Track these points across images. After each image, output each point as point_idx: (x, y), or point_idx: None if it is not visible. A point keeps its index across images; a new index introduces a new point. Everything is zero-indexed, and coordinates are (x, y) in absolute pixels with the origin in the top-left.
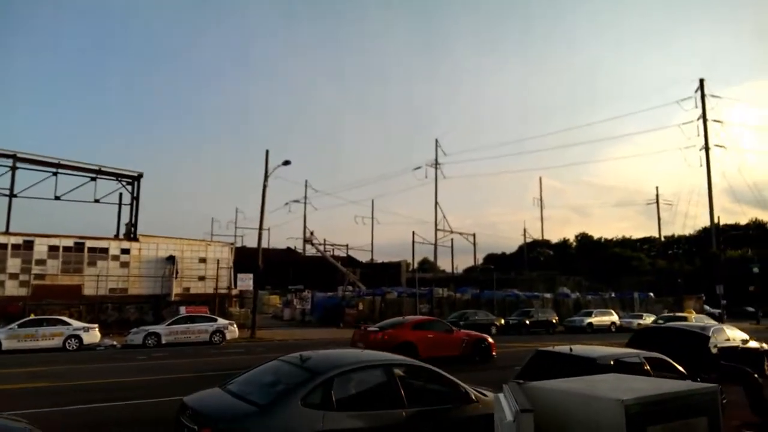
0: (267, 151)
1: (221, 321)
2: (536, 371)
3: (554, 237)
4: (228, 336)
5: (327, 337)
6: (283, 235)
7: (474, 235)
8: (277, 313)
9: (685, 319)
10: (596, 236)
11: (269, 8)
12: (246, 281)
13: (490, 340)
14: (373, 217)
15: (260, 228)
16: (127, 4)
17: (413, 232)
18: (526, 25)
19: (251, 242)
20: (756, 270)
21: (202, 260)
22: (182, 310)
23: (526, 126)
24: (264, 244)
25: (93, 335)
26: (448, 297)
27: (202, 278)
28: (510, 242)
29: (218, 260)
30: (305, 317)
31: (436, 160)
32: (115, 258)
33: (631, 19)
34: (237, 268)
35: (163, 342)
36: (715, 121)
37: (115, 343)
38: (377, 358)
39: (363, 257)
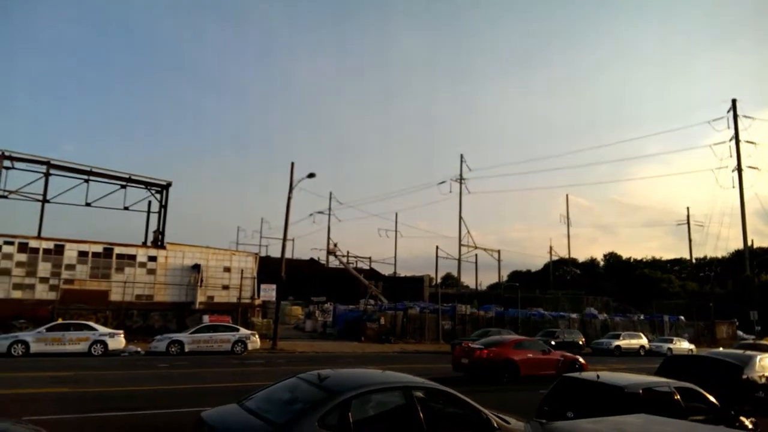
0: (292, 164)
1: (243, 331)
2: (563, 398)
3: (581, 256)
4: (250, 346)
5: (348, 351)
6: (307, 245)
7: (498, 252)
8: (299, 324)
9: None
10: (624, 256)
11: (294, 20)
12: (269, 292)
13: (582, 360)
14: (396, 230)
15: (284, 239)
16: (150, 11)
17: (437, 247)
18: (549, 43)
19: (275, 252)
20: None
21: (227, 269)
22: (205, 318)
23: (551, 143)
24: (288, 255)
25: (118, 341)
26: (471, 314)
27: (226, 287)
28: (535, 260)
29: (242, 270)
30: (326, 329)
31: (461, 174)
32: (142, 265)
33: (655, 41)
34: (260, 278)
35: (186, 350)
36: (748, 142)
37: (139, 349)
38: (397, 380)
39: (386, 270)
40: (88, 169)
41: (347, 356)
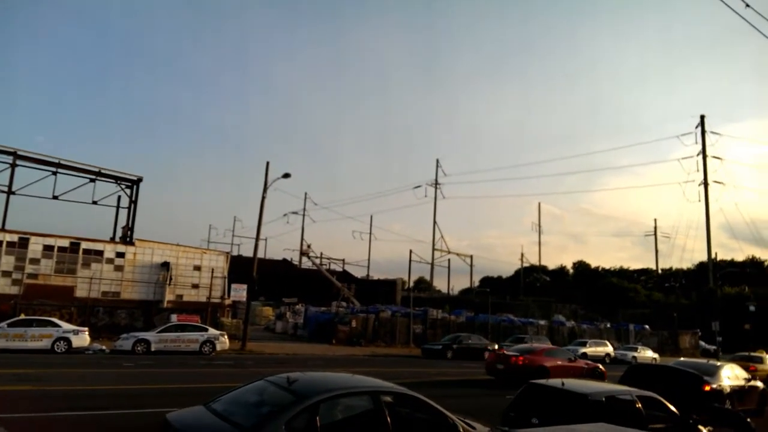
0: (267, 163)
1: (212, 331)
2: (529, 405)
3: (551, 263)
4: (218, 347)
5: (318, 353)
6: (281, 246)
7: (471, 257)
8: (269, 325)
9: (761, 359)
10: (593, 264)
11: (272, 21)
12: (240, 292)
13: (602, 368)
14: (371, 233)
15: (257, 238)
16: (127, 8)
17: (410, 251)
18: (528, 53)
19: (248, 251)
20: (752, 308)
21: (197, 268)
22: (173, 317)
23: (526, 151)
24: (260, 255)
25: (82, 338)
26: (443, 319)
27: (195, 286)
28: (507, 266)
29: (213, 269)
30: (297, 331)
31: (436, 179)
32: (110, 261)
33: (631, 55)
34: (232, 278)
35: (153, 349)
36: (714, 157)
37: (104, 347)
38: (365, 384)
39: (359, 273)
40: (57, 161)
41: (317, 359)
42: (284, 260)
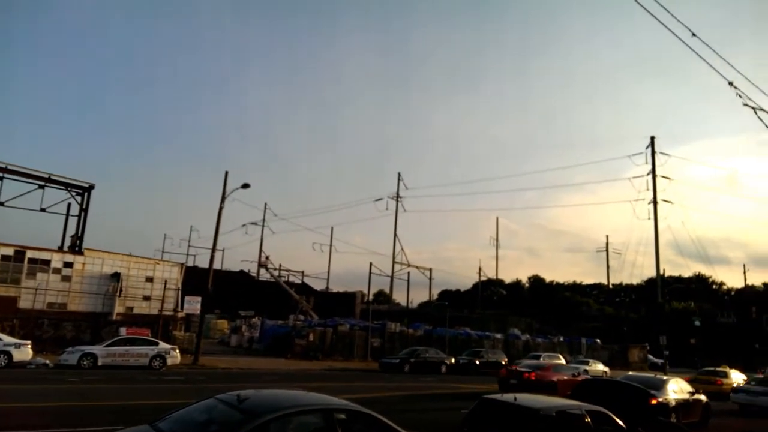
0: (226, 173)
1: (163, 345)
2: (482, 419)
3: (508, 277)
4: (169, 361)
5: (273, 367)
6: (238, 257)
7: (430, 270)
8: (224, 338)
9: (725, 374)
10: (548, 279)
11: (233, 29)
12: (194, 304)
13: None
14: (331, 245)
15: (213, 249)
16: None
17: (370, 263)
18: (492, 68)
19: (204, 262)
20: (697, 323)
21: (149, 279)
22: (122, 331)
23: (484, 167)
24: (217, 266)
25: (24, 352)
26: (401, 332)
27: (147, 298)
28: (465, 279)
29: (166, 280)
30: (252, 345)
31: (398, 193)
32: (57, 271)
33: (586, 75)
34: (186, 289)
35: (100, 364)
36: (663, 177)
37: (47, 362)
38: (318, 402)
39: (319, 285)
40: (4, 165)
41: (272, 373)
42: (242, 272)
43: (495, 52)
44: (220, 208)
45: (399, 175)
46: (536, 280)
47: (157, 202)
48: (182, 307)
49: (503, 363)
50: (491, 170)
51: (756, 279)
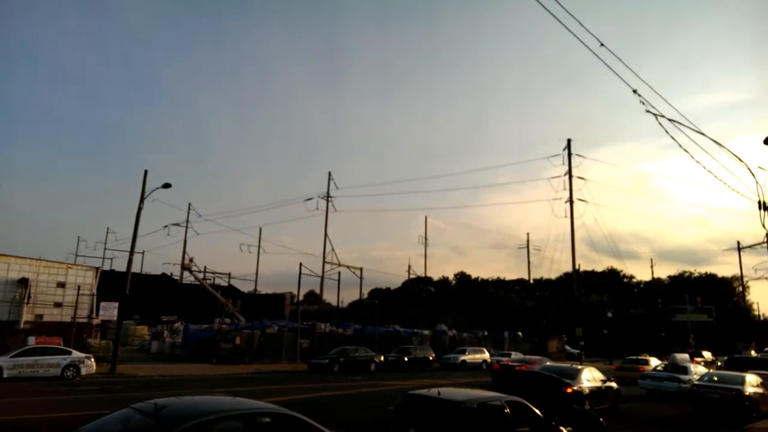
0: (145, 172)
1: (76, 354)
2: (407, 415)
3: (436, 274)
4: (83, 371)
5: (197, 373)
6: (160, 260)
7: (361, 269)
8: (143, 345)
9: (646, 362)
10: (474, 275)
11: (163, 28)
12: (110, 310)
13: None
14: (259, 246)
15: (131, 252)
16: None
17: (300, 264)
18: (416, 71)
19: (122, 266)
20: (610, 315)
21: (61, 285)
22: (31, 340)
23: (414, 167)
24: (136, 269)
25: None
26: (331, 332)
27: (59, 305)
28: (395, 278)
29: (80, 285)
30: (175, 351)
31: (328, 192)
32: None
33: (508, 81)
34: (102, 295)
35: (5, 376)
36: (579, 177)
37: None
38: (241, 407)
39: (246, 287)
40: None
41: (196, 380)
42: (164, 275)
43: (425, 54)
44: (139, 209)
45: (329, 174)
46: (463, 277)
47: (71, 204)
48: (97, 314)
49: (431, 358)
50: (421, 170)
51: (662, 272)
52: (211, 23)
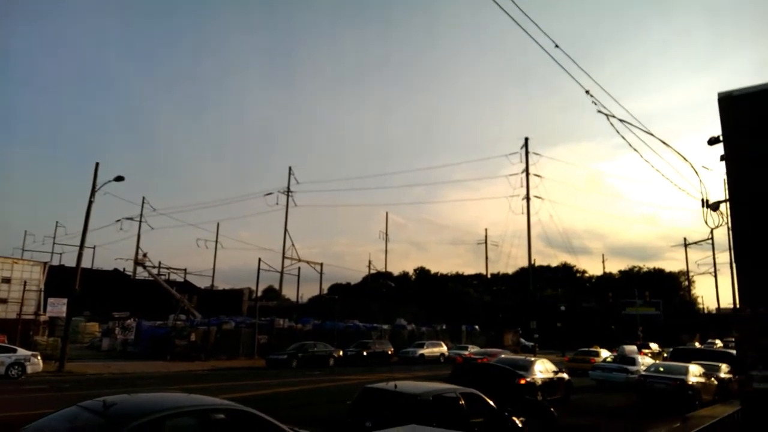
0: (96, 164)
1: (22, 352)
2: (364, 408)
3: (396, 269)
4: (30, 369)
5: (151, 371)
6: (113, 255)
7: (321, 265)
8: (94, 342)
9: (597, 354)
10: (433, 270)
11: (117, 22)
12: (58, 306)
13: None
14: (217, 241)
15: (81, 246)
16: None
17: (259, 259)
18: (374, 68)
19: (72, 261)
20: (563, 308)
21: (6, 280)
22: None
23: (375, 162)
24: (87, 265)
25: None
26: (289, 328)
27: (3, 301)
28: (355, 273)
29: (26, 281)
30: (127, 348)
31: (288, 187)
32: None
33: (468, 78)
34: (51, 291)
35: None
36: (535, 175)
37: None
38: (193, 403)
39: (203, 283)
40: None
41: (149, 377)
42: (116, 270)
43: (381, 51)
44: (90, 202)
45: (290, 169)
46: (422, 272)
47: (17, 196)
48: (45, 310)
49: (389, 353)
50: (381, 167)
51: (613, 267)
52: (166, 20)
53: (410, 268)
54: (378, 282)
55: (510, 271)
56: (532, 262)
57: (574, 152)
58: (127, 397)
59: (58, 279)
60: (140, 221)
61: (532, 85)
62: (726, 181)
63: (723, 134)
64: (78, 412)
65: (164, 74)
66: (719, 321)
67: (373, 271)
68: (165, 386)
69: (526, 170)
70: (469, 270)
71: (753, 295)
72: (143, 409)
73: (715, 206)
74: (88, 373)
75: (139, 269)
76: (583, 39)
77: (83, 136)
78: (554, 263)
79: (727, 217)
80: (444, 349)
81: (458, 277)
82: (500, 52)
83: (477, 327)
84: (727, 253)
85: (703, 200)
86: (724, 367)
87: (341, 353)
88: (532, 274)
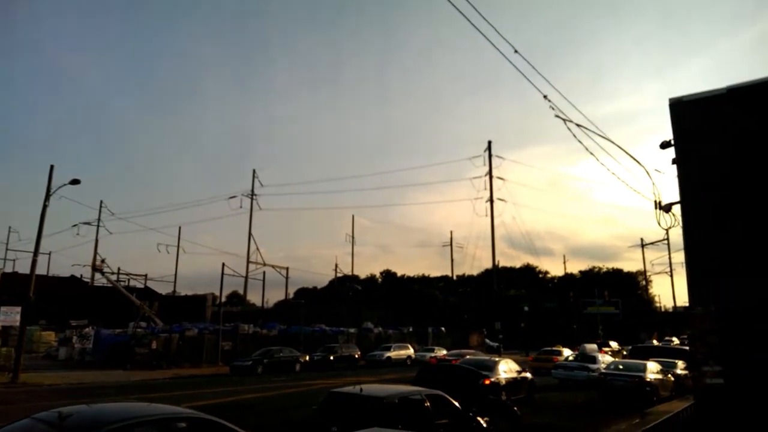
0: (51, 167)
1: None
2: (330, 413)
3: (362, 272)
4: None
5: (110, 380)
6: (70, 261)
7: (287, 269)
8: (50, 352)
9: (559, 353)
10: (400, 273)
11: (77, 19)
12: (11, 315)
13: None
14: (178, 246)
15: (35, 252)
16: None
17: (223, 264)
18: (341, 72)
19: (25, 267)
20: (526, 309)
21: None
22: None
23: (341, 165)
24: (42, 272)
25: None
26: (254, 333)
27: None
28: (322, 277)
29: None
30: (85, 357)
31: (252, 190)
32: None
33: (432, 83)
34: (3, 298)
35: None
36: (499, 178)
37: None
38: (153, 412)
39: (165, 289)
40: None
41: (108, 387)
42: (73, 277)
43: (348, 54)
44: (44, 207)
45: (254, 172)
46: (389, 275)
47: None
48: None
49: (357, 356)
50: (347, 170)
51: (574, 267)
52: (133, 17)
53: (377, 271)
54: (345, 285)
55: (475, 272)
56: (496, 263)
57: (536, 155)
58: (85, 408)
59: (11, 286)
60: (98, 226)
61: (497, 90)
62: (678, 184)
63: (674, 138)
64: (32, 424)
65: (125, 74)
66: (676, 319)
67: (339, 275)
68: (125, 396)
69: (490, 173)
70: (435, 272)
71: (703, 294)
72: (101, 419)
73: (667, 208)
74: (44, 383)
75: (98, 276)
76: (542, 46)
77: (38, 136)
78: (518, 264)
79: (679, 219)
80: (411, 351)
81: (424, 279)
82: (468, 57)
83: (443, 329)
84: (683, 253)
85: (655, 202)
86: (681, 363)
87: (308, 358)
88: (496, 275)
